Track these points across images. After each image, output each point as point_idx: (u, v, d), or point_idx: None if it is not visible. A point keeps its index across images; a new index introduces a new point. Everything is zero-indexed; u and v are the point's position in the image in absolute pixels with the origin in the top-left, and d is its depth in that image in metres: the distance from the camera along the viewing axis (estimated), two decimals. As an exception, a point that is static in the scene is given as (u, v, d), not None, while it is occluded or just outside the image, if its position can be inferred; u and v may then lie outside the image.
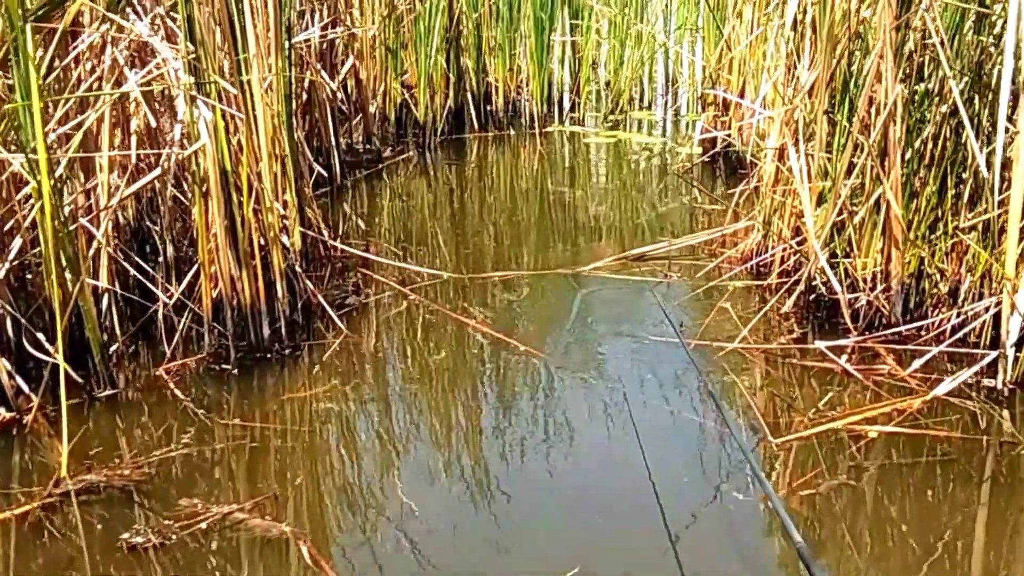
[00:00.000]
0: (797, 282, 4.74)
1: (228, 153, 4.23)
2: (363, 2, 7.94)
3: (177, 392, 4.05)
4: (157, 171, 4.47)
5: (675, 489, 3.38)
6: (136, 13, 4.39)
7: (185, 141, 4.33)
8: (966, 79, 4.29)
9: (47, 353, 3.91)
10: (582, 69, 9.88)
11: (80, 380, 3.96)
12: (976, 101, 4.30)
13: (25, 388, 3.87)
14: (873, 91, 4.42)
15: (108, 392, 3.99)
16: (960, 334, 4.28)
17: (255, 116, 4.45)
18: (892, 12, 4.25)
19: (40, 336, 3.98)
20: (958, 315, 4.36)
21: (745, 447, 3.55)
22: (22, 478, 3.49)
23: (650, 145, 8.76)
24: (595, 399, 4.01)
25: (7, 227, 4.08)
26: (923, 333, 4.40)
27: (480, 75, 9.01)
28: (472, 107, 8.94)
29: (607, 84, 10.41)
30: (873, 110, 4.46)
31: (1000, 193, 4.09)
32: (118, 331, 4.33)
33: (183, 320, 4.39)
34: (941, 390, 3.97)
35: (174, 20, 4.45)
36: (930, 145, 4.39)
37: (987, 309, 4.24)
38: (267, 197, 4.45)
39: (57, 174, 3.93)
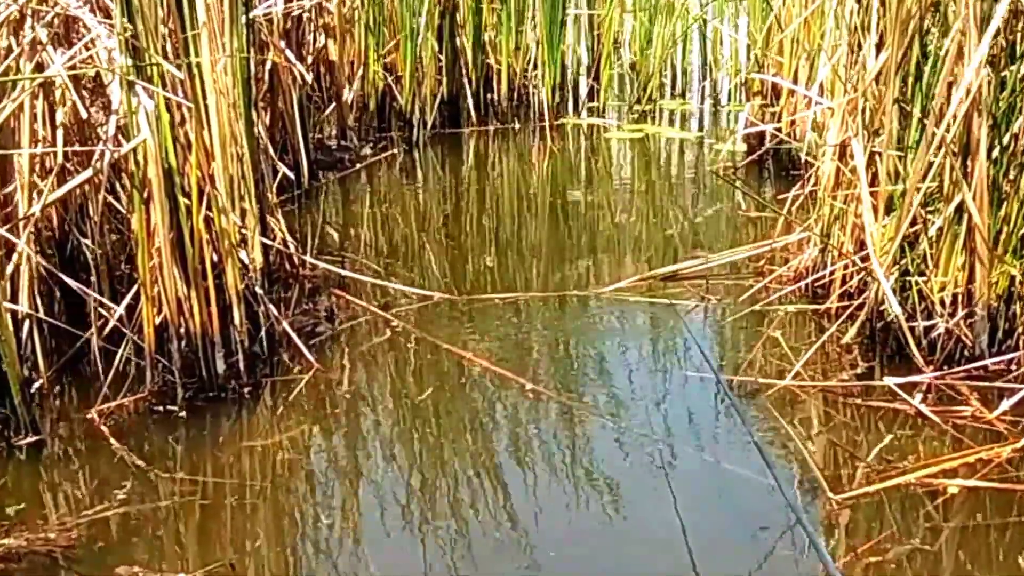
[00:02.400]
0: (862, 306, 4.75)
1: (174, 150, 4.25)
2: (337, -32, 7.98)
3: (113, 439, 4.06)
4: (88, 172, 4.49)
5: (714, 555, 3.39)
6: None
7: (121, 136, 4.35)
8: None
9: (-44, 392, 3.93)
10: (603, 49, 9.91)
11: (-5, 424, 3.98)
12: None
13: (-71, 434, 3.89)
14: (953, 76, 4.44)
15: (30, 439, 4.00)
16: (1059, 369, 4.30)
17: (206, 106, 4.47)
18: (975, -20, 4.27)
19: (-53, 371, 3.99)
20: (1056, 346, 4.38)
21: (797, 505, 3.56)
22: (-75, 542, 3.51)
23: (684, 141, 8.79)
24: (619, 448, 4.02)
25: (-92, 240, 4.11)
26: (1014, 367, 4.41)
27: (479, 56, 9.03)
28: (469, 95, 8.96)
29: (632, 67, 10.44)
30: (954, 98, 4.47)
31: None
32: (42, 365, 4.35)
33: (120, 352, 4.40)
34: (1036, 436, 3.99)
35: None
36: (1022, 140, 4.41)
37: (1091, 339, 4.25)
38: (221, 203, 4.46)
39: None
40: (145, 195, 4.22)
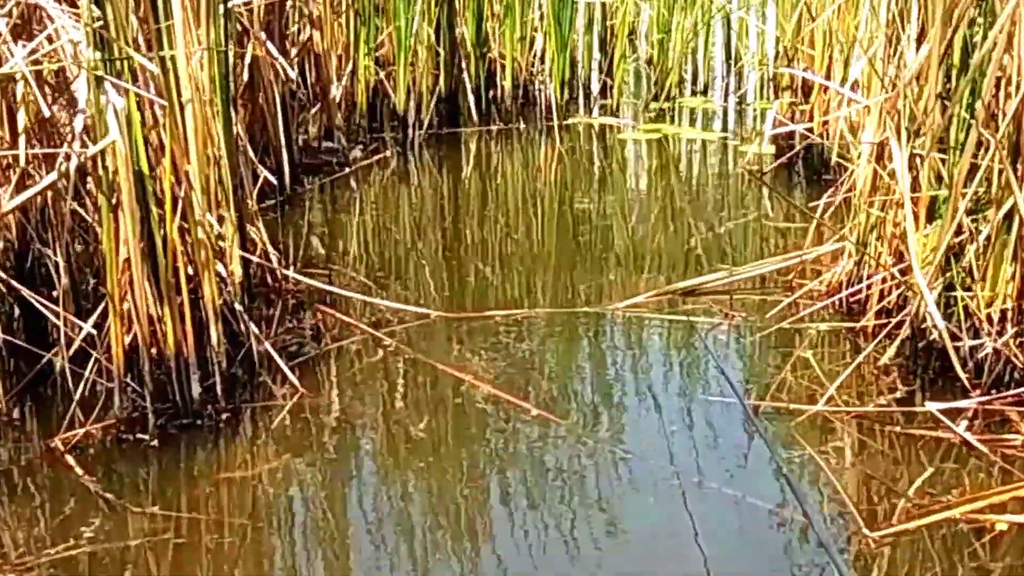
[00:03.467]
0: (901, 324, 4.76)
1: (145, 153, 4.26)
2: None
3: (78, 470, 4.06)
4: (51, 176, 4.49)
5: (739, 599, 3.41)
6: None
7: (87, 137, 4.35)
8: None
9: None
10: (617, 41, 9.93)
11: (-51, 454, 3.99)
12: None
13: None
14: (1002, 69, 4.45)
15: (-14, 470, 4.02)
16: (1119, 393, 4.30)
17: (181, 104, 4.48)
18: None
19: None
20: (1116, 368, 4.38)
21: (830, 543, 3.57)
22: None
23: (706, 142, 8.81)
24: (634, 482, 4.02)
25: None
26: (1069, 392, 4.42)
27: (480, 49, 9.04)
28: (469, 92, 8.97)
29: (649, 62, 10.46)
30: (1003, 94, 4.48)
31: None
32: (0, 389, 4.35)
33: (87, 375, 4.40)
34: (1093, 467, 3.99)
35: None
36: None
37: None
38: (197, 211, 4.48)
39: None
40: (114, 202, 4.24)
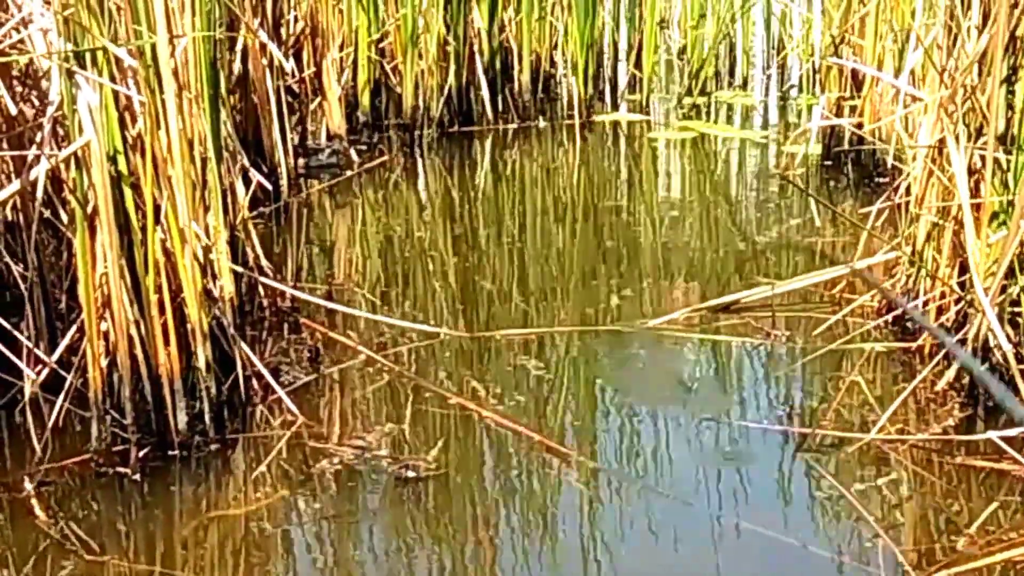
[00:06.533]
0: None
1: (124, 155, 4.26)
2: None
3: (50, 511, 4.06)
4: (16, 184, 4.50)
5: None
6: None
7: (55, 140, 4.35)
8: None
9: None
10: (646, 29, 9.93)
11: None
12: None
13: None
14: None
15: (-52, 509, 4.02)
16: None
17: (163, 100, 4.48)
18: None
19: None
20: None
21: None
22: None
23: (745, 142, 8.80)
24: (665, 523, 4.01)
25: None
26: None
27: (495, 38, 9.04)
28: (484, 86, 8.97)
29: (682, 52, 10.46)
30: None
31: None
32: (-37, 418, 4.37)
33: (60, 403, 4.39)
34: None
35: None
36: None
37: None
38: (182, 220, 4.48)
39: None
40: (89, 210, 4.23)
